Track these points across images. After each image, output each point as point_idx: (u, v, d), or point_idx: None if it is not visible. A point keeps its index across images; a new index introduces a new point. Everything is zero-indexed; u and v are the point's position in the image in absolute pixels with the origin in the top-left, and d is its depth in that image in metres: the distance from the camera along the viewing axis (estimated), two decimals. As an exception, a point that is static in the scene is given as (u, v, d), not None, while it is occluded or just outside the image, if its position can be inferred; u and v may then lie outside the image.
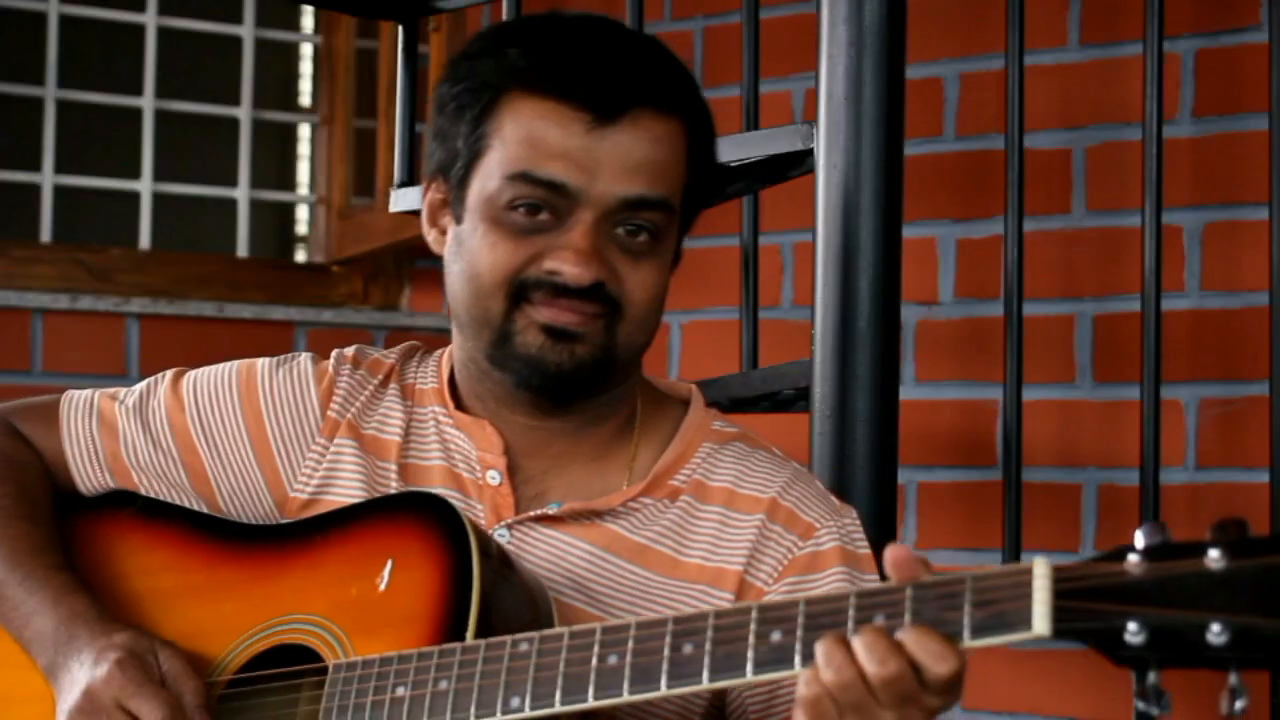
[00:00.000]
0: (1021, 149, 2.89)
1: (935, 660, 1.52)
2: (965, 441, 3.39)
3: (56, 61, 4.11)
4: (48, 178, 4.11)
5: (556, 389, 1.91)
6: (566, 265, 1.85)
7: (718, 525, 1.93)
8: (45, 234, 4.08)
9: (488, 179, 1.89)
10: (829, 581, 1.90)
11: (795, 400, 2.92)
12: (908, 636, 1.53)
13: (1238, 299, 3.15)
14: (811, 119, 2.54)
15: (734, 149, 2.75)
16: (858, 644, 1.54)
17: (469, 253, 1.91)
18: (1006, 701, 3.33)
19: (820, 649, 1.55)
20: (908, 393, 3.27)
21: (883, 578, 1.96)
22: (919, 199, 3.29)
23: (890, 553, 1.57)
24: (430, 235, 1.99)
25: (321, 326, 4.12)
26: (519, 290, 1.88)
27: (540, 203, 1.86)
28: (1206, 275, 3.18)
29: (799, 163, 2.68)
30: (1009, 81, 2.88)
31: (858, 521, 1.97)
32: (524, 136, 1.87)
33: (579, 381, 1.90)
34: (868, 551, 1.95)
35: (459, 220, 1.93)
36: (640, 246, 1.88)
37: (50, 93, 4.12)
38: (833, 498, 1.98)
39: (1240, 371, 3.14)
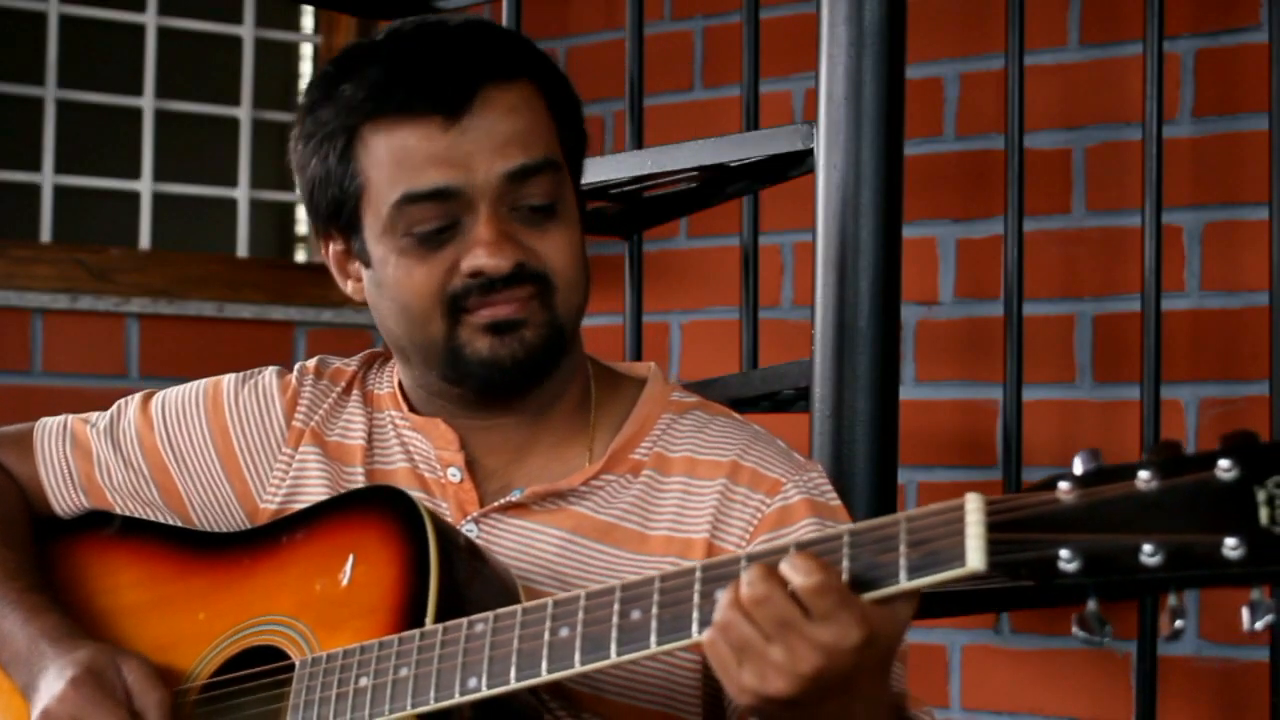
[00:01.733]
0: (1021, 149, 2.89)
1: (799, 573, 1.53)
2: (965, 441, 3.39)
3: (56, 61, 4.11)
4: (48, 178, 4.11)
5: (518, 380, 1.92)
6: (481, 259, 1.86)
7: (681, 495, 1.93)
8: (45, 234, 4.08)
9: (377, 216, 1.90)
10: (801, 533, 1.88)
11: (795, 400, 2.92)
12: (785, 562, 1.55)
13: (1238, 299, 3.15)
14: (811, 119, 2.54)
15: (734, 149, 2.75)
16: (742, 577, 1.56)
17: (390, 288, 1.91)
18: (1006, 701, 3.33)
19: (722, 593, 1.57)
20: (908, 393, 3.27)
21: None
22: (919, 199, 3.29)
23: None
24: (348, 287, 2.00)
25: (321, 326, 4.12)
26: (452, 304, 1.89)
27: (434, 215, 1.87)
28: (1206, 275, 3.18)
29: (799, 163, 2.68)
30: (1009, 81, 2.88)
31: (824, 475, 1.97)
32: (390, 161, 1.88)
33: (536, 365, 1.91)
34: (838, 503, 1.95)
35: (367, 264, 1.94)
36: (542, 214, 1.89)
37: (50, 93, 4.12)
38: (795, 454, 1.97)
39: (1240, 371, 3.14)
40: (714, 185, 2.95)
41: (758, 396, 2.88)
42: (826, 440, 2.47)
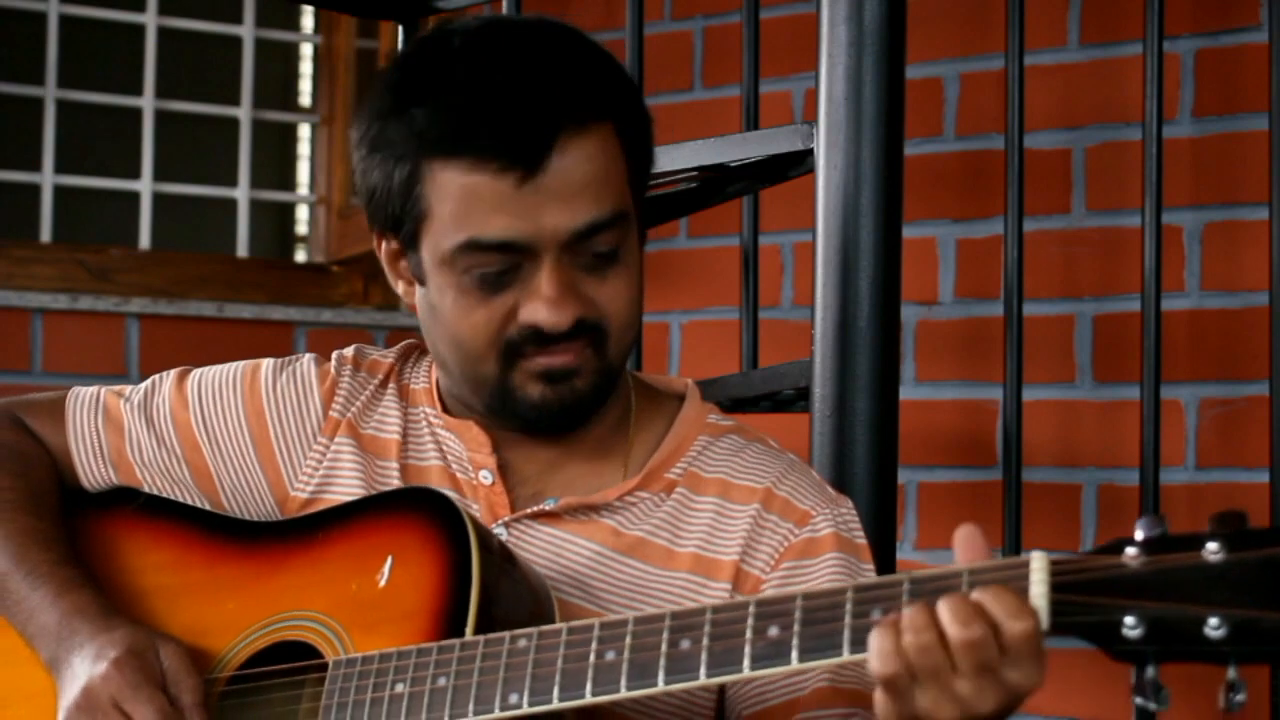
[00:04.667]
0: (1021, 149, 2.89)
1: (1010, 616, 1.49)
2: (965, 441, 3.39)
3: (56, 61, 4.11)
4: (48, 178, 4.11)
5: (564, 424, 1.92)
6: (541, 315, 1.84)
7: (713, 516, 1.93)
8: (45, 234, 4.08)
9: (438, 246, 1.86)
10: (824, 566, 1.89)
11: (795, 400, 2.92)
12: (984, 595, 1.51)
13: (1238, 299, 3.15)
14: (811, 119, 2.54)
15: (734, 149, 2.75)
16: (942, 607, 1.51)
17: (444, 318, 1.89)
18: (1006, 701, 3.32)
19: (907, 613, 1.52)
20: (908, 393, 3.28)
21: (879, 571, 1.97)
22: (919, 199, 3.29)
23: (961, 531, 1.56)
24: (399, 287, 1.97)
25: (321, 326, 4.13)
26: (508, 350, 1.87)
27: (498, 261, 1.84)
28: (1206, 275, 3.18)
29: (799, 163, 2.68)
30: (1009, 81, 2.88)
31: (854, 512, 1.97)
32: (459, 202, 1.83)
33: (584, 410, 1.91)
34: (864, 542, 1.95)
35: (422, 281, 1.92)
36: (604, 260, 1.87)
37: (50, 93, 4.12)
38: (828, 488, 1.97)
39: (1240, 371, 3.14)
40: (714, 185, 2.95)
41: (758, 396, 2.88)
42: (826, 440, 2.47)
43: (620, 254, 1.88)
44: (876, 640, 1.53)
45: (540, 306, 1.84)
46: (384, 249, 1.97)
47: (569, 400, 1.89)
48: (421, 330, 1.97)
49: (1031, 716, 3.30)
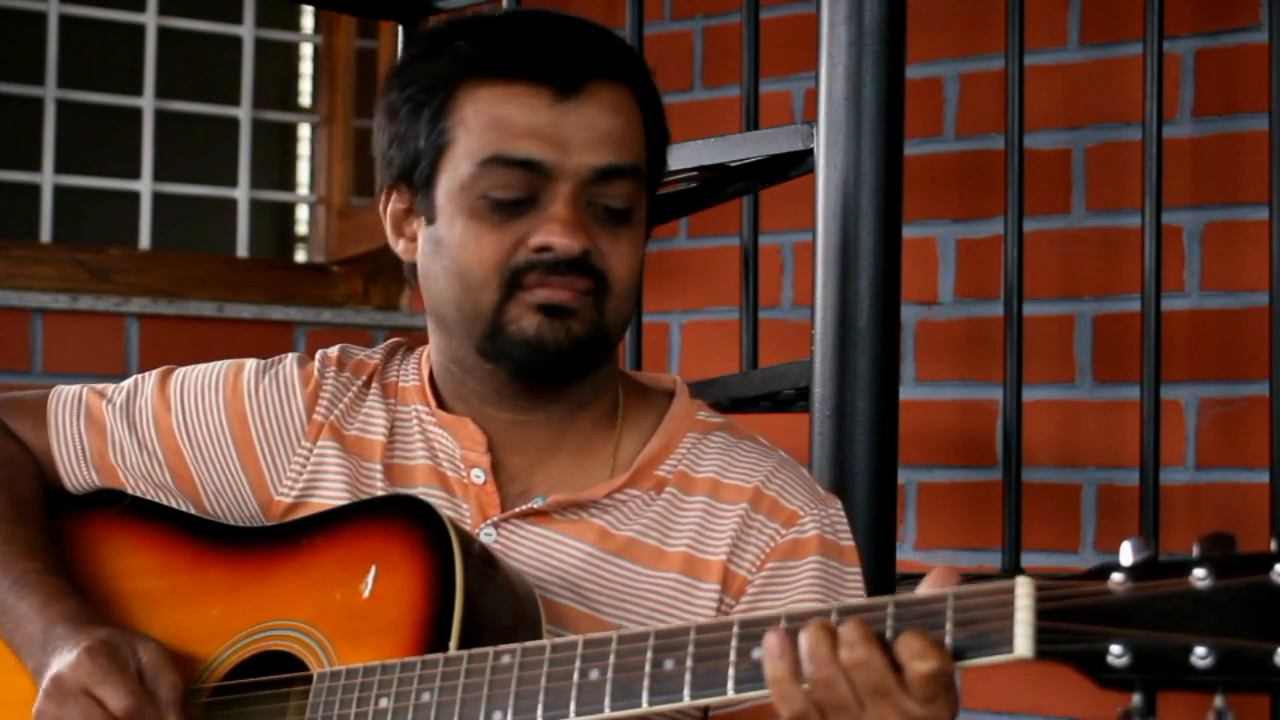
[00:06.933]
0: (1021, 149, 2.89)
1: (915, 656, 1.51)
2: (965, 441, 3.39)
3: (56, 61, 4.11)
4: (48, 178, 4.11)
5: (556, 369, 1.89)
6: (554, 237, 1.85)
7: (702, 515, 1.92)
8: (45, 234, 4.08)
9: (457, 171, 1.88)
10: (805, 569, 1.89)
11: (795, 400, 2.92)
12: (900, 640, 1.52)
13: (1238, 299, 3.15)
14: (811, 119, 2.54)
15: (734, 149, 2.75)
16: (841, 631, 1.53)
17: (451, 249, 1.89)
18: (1006, 702, 3.33)
19: (804, 637, 1.54)
20: (908, 393, 3.27)
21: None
22: (919, 199, 3.29)
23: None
24: (399, 245, 1.97)
25: (321, 326, 4.12)
26: (511, 278, 1.86)
27: (517, 184, 1.86)
28: (1206, 275, 3.18)
29: (799, 163, 2.68)
30: (1009, 81, 2.88)
31: (842, 512, 1.96)
32: (489, 121, 1.87)
33: (576, 360, 1.89)
34: (850, 544, 1.94)
35: (431, 219, 1.92)
36: (616, 218, 1.89)
37: (50, 93, 4.12)
38: (818, 486, 1.97)
39: (1240, 371, 3.14)
40: (714, 185, 2.95)
41: (758, 396, 2.88)
42: (826, 440, 2.47)
43: (632, 218, 1.90)
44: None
45: (555, 227, 1.85)
46: (391, 208, 1.97)
47: (563, 342, 1.87)
48: (420, 279, 1.96)
49: (1031, 716, 3.30)
